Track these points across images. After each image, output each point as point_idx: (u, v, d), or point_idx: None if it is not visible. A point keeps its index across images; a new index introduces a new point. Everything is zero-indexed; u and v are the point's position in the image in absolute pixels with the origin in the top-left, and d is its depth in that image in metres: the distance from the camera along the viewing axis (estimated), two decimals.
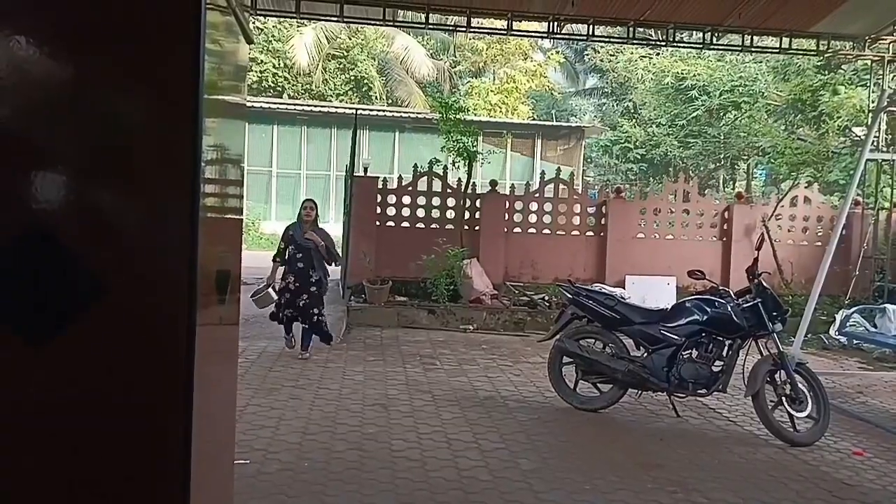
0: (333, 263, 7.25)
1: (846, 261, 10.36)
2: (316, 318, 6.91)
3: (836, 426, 5.33)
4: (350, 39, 25.75)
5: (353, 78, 25.94)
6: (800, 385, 5.15)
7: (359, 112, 13.83)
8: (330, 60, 25.80)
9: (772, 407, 5.11)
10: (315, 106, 22.01)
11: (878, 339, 7.98)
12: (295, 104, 22.23)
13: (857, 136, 14.29)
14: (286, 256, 6.92)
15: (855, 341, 8.65)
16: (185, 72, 1.55)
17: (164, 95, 1.56)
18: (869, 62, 11.58)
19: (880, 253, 10.49)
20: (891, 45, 10.82)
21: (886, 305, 8.66)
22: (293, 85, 25.69)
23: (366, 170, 11.60)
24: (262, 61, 24.13)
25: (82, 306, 1.53)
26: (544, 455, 4.58)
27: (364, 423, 5.03)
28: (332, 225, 18.88)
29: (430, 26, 11.89)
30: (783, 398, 5.11)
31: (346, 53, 25.90)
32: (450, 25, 12.01)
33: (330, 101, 24.57)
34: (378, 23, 11.64)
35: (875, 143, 10.08)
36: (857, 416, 5.89)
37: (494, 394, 6.04)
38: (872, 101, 11.08)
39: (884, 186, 11.43)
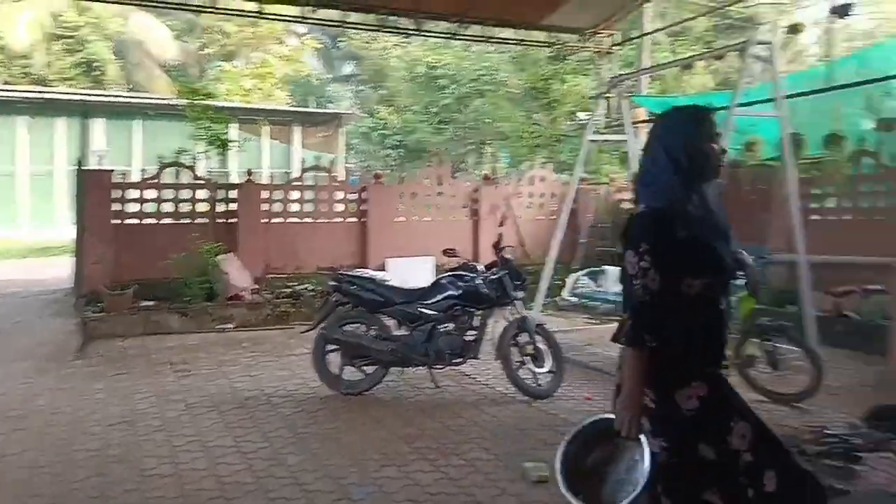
0: None
1: (575, 231, 11.69)
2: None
3: (570, 376, 5.92)
4: (79, 17, 22.90)
5: (82, 60, 23.14)
6: (539, 344, 5.69)
7: (91, 98, 12.32)
8: (56, 41, 22.74)
9: (517, 367, 5.58)
10: (36, 92, 19.20)
11: (600, 296, 9.14)
12: (10, 90, 19.21)
13: (581, 120, 16.17)
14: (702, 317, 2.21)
15: (583, 300, 9.79)
16: None
17: None
18: (591, 53, 13.11)
19: (603, 222, 12.01)
20: (607, 38, 12.35)
21: (605, 267, 9.94)
22: (8, 68, 22.24)
23: (101, 162, 10.40)
24: None
25: None
26: (311, 447, 4.53)
27: (107, 445, 4.53)
28: (63, 228, 16.62)
29: (171, 5, 10.98)
30: (526, 357, 5.63)
31: (73, 34, 23.01)
32: (193, 5, 11.19)
33: (55, 86, 21.64)
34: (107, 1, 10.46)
35: (596, 126, 11.49)
36: (586, 364, 6.67)
37: (257, 392, 5.81)
38: (593, 89, 12.62)
39: (604, 164, 13.12)
